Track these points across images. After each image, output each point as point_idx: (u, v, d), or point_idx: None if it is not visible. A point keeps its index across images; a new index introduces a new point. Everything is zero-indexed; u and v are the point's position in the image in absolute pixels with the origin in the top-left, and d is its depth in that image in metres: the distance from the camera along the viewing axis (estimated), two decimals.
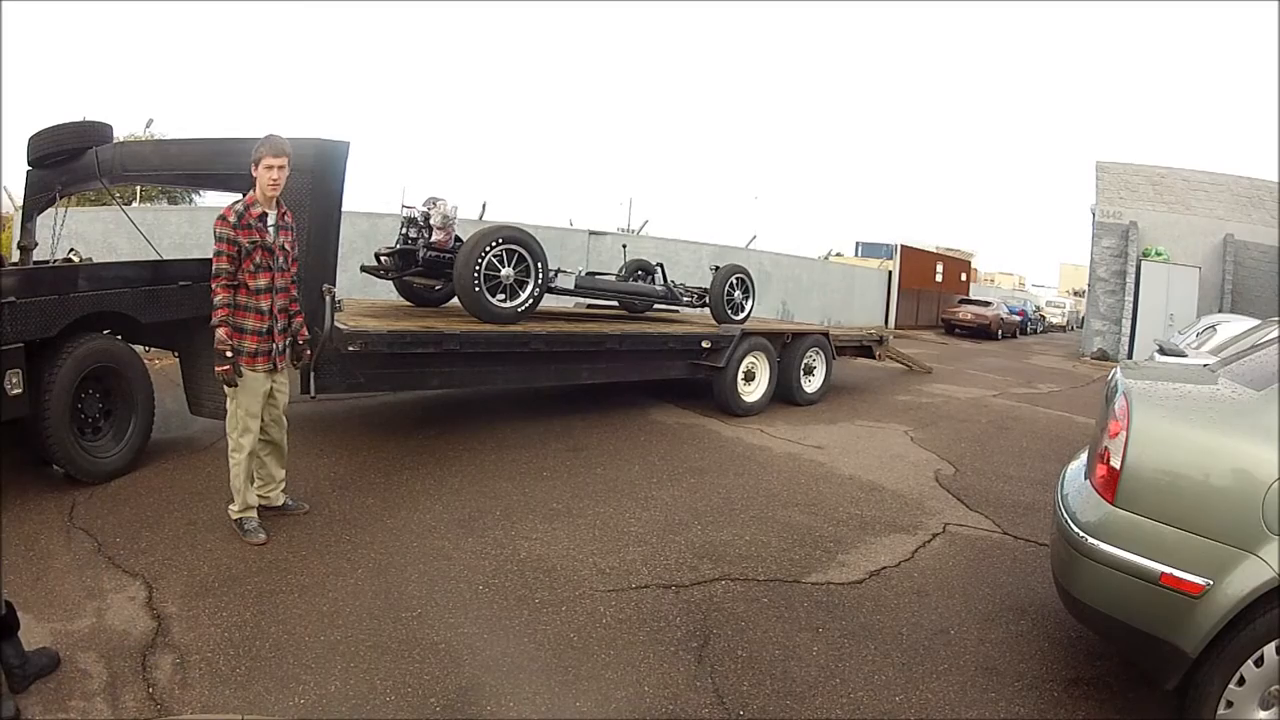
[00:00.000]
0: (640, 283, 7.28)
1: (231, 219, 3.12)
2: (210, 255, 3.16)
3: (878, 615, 2.86)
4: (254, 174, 3.18)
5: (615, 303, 7.34)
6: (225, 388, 3.18)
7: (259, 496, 3.39)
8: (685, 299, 6.93)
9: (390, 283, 5.96)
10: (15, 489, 3.49)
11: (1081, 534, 2.13)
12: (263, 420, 3.31)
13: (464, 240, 5.01)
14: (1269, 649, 1.84)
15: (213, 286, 3.12)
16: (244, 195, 3.23)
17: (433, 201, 5.17)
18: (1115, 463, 2.09)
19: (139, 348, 4.18)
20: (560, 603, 2.79)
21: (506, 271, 4.95)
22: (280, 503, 3.47)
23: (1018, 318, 23.16)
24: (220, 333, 3.09)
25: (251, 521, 3.23)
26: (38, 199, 4.97)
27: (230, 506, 3.27)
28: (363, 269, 5.92)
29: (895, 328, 18.45)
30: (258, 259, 3.17)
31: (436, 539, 3.29)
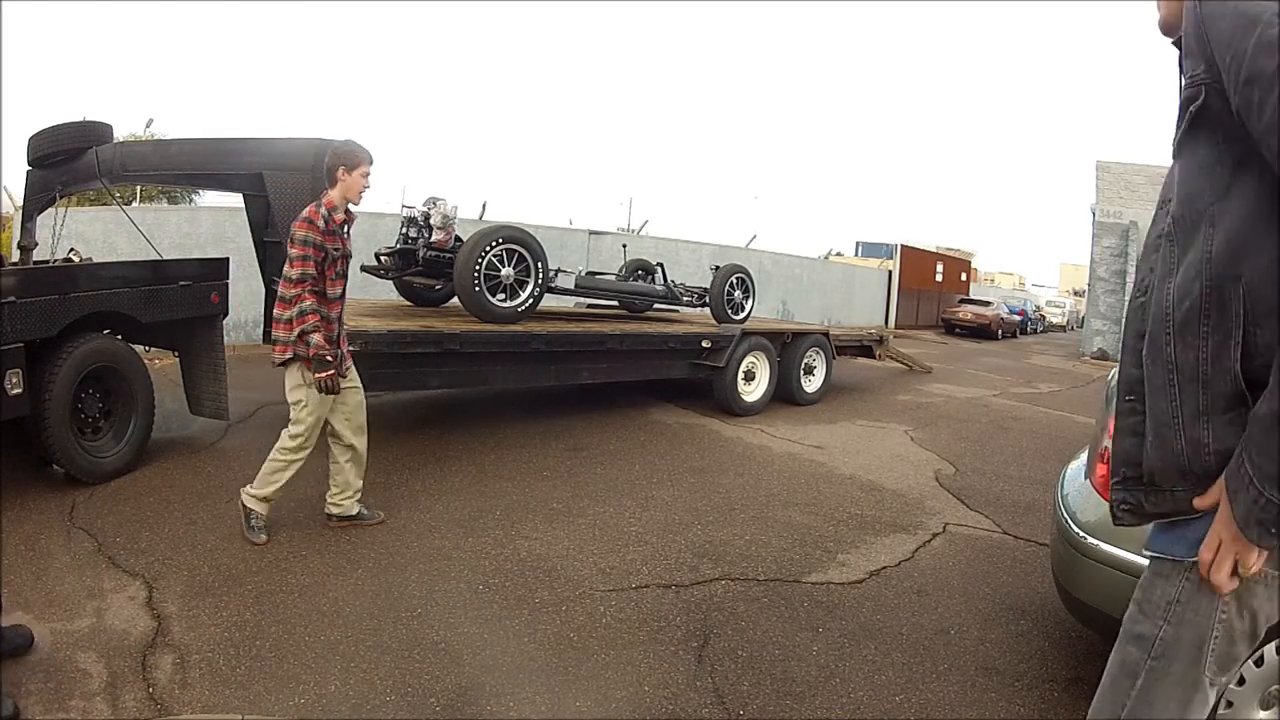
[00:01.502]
0: (640, 283, 7.28)
1: (320, 224, 3.03)
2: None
3: (878, 615, 2.86)
4: (341, 177, 3.11)
5: (615, 303, 7.34)
6: (304, 396, 3.07)
7: (333, 505, 3.32)
8: (685, 299, 6.93)
9: (390, 283, 5.97)
10: (15, 489, 3.49)
11: (1081, 534, 2.13)
12: (335, 428, 3.26)
13: (464, 240, 5.01)
14: (1269, 649, 1.83)
15: (297, 292, 3.01)
16: (322, 199, 3.13)
17: (433, 201, 5.17)
18: None
19: (139, 348, 4.18)
20: (560, 603, 2.79)
21: (506, 271, 4.95)
22: (355, 512, 3.35)
23: (1018, 317, 23.18)
24: (317, 338, 2.99)
25: (260, 519, 3.18)
26: (38, 199, 4.96)
27: (249, 490, 3.16)
28: (363, 269, 5.91)
29: (895, 327, 18.47)
30: (339, 267, 3.13)
31: (436, 539, 3.29)
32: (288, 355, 3.07)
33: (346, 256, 3.18)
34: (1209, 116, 0.98)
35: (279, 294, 3.13)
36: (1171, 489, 1.05)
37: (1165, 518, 1.08)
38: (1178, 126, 1.03)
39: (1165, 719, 1.06)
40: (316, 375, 3.03)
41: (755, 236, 16.76)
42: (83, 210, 7.77)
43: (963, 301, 21.12)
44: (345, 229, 3.18)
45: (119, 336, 4.03)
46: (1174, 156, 1.06)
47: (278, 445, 3.17)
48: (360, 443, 3.33)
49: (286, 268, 3.08)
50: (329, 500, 3.33)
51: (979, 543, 3.71)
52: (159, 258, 4.58)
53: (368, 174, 3.17)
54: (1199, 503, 1.01)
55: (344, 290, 3.21)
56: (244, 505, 3.18)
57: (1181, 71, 1.02)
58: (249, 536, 3.14)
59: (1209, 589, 1.01)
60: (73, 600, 2.59)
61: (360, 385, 3.37)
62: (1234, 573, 0.97)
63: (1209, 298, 0.97)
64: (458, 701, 2.17)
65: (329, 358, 3.03)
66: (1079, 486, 2.38)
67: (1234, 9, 0.94)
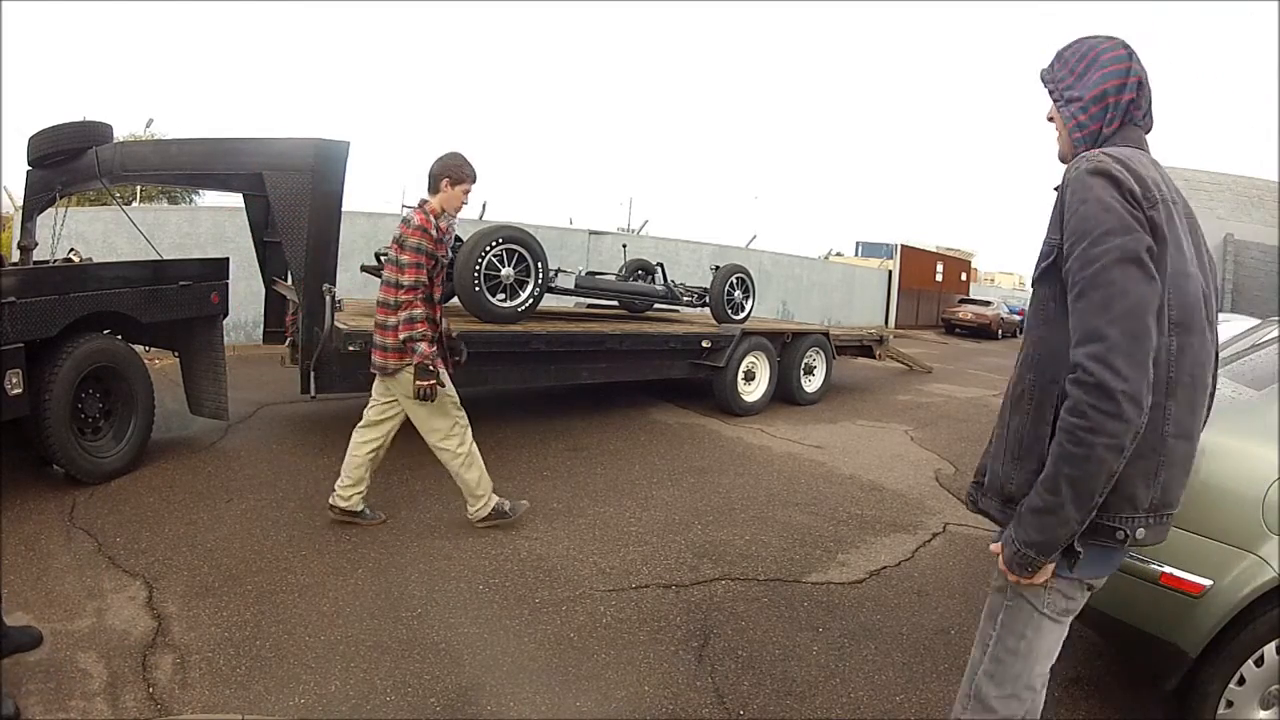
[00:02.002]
0: (640, 282, 7.28)
1: (432, 232, 3.07)
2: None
3: (878, 615, 2.86)
4: (445, 188, 3.17)
5: (615, 303, 7.34)
6: (424, 403, 3.11)
7: (339, 497, 3.32)
8: (685, 299, 6.93)
9: None
10: (15, 489, 3.49)
11: None
12: (374, 419, 3.35)
13: (464, 240, 5.01)
14: (1269, 649, 1.84)
15: (410, 298, 3.03)
16: (420, 205, 3.16)
17: None
18: None
19: (139, 348, 4.18)
20: (560, 603, 2.79)
21: (506, 271, 4.95)
22: (359, 509, 3.37)
23: (1018, 317, 23.14)
24: (424, 347, 3.02)
25: (502, 505, 3.36)
26: (38, 199, 4.96)
27: (475, 512, 3.33)
28: (363, 269, 5.92)
29: (895, 327, 18.47)
30: (443, 273, 3.23)
31: (436, 539, 3.29)
32: (406, 362, 3.09)
33: (449, 262, 3.26)
34: (1056, 267, 1.31)
35: (382, 300, 3.15)
36: (990, 498, 1.49)
37: (985, 515, 1.52)
38: (1036, 267, 1.39)
39: (1020, 640, 1.44)
40: (417, 383, 3.05)
41: (755, 236, 16.77)
42: (83, 210, 7.78)
43: (963, 301, 21.11)
44: (446, 237, 3.26)
45: (119, 336, 4.03)
46: (1032, 285, 1.43)
47: (447, 457, 3.28)
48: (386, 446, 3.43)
49: (394, 274, 3.07)
50: (337, 490, 3.33)
51: (979, 542, 3.71)
52: (159, 258, 4.58)
53: (468, 191, 3.23)
54: (993, 548, 1.48)
55: (443, 294, 3.29)
56: (482, 519, 3.34)
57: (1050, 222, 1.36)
58: (512, 516, 3.36)
59: None
60: (73, 600, 2.59)
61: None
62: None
63: (1033, 389, 1.36)
64: (458, 701, 2.17)
65: (431, 367, 3.06)
66: None
67: (1083, 213, 1.25)
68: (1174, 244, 1.27)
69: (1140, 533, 1.34)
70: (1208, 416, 1.38)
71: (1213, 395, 1.38)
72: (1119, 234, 1.21)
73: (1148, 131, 1.42)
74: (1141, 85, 1.40)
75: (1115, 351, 1.18)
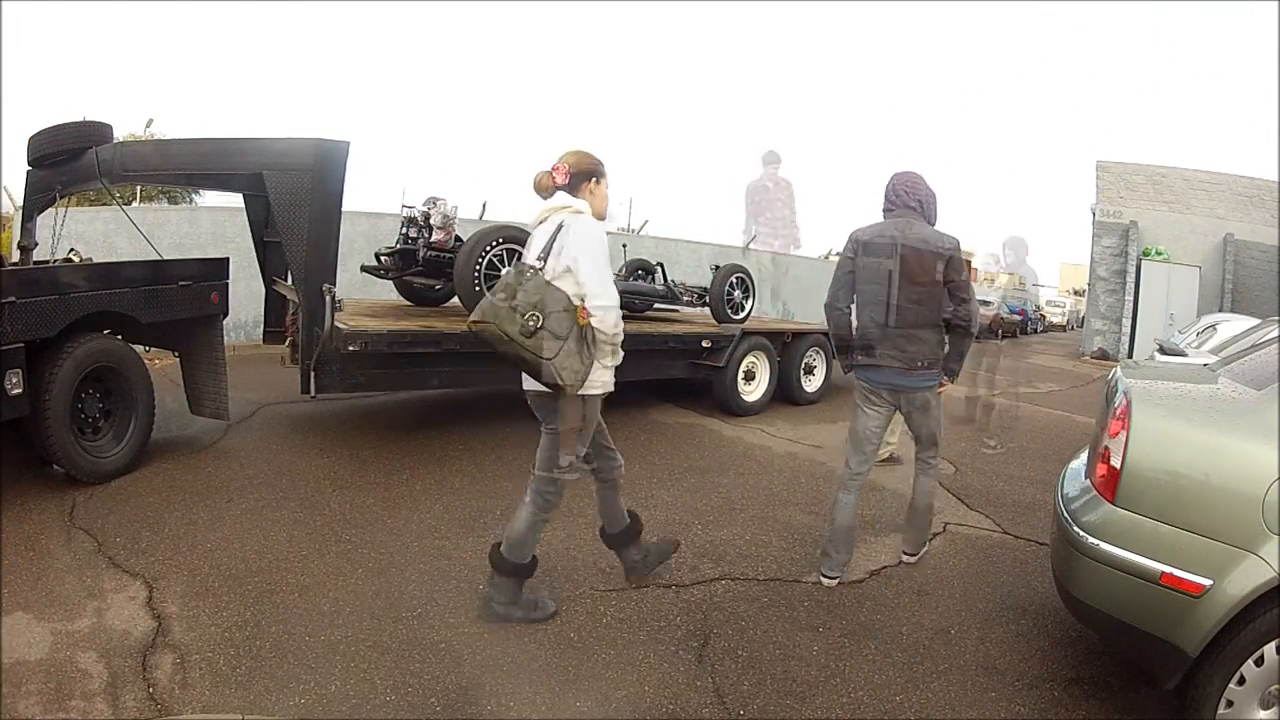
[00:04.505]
0: (640, 282, 7.27)
1: None
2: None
3: (878, 615, 2.86)
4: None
5: None
6: None
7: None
8: (685, 298, 6.91)
9: (390, 283, 5.96)
10: (15, 489, 3.50)
11: (1082, 533, 2.13)
12: None
13: (464, 240, 5.00)
14: (1269, 648, 1.84)
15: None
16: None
17: (433, 201, 5.16)
18: (1115, 462, 2.09)
19: (139, 348, 4.18)
20: (560, 602, 2.79)
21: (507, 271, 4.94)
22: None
23: (1018, 317, 23.13)
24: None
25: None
26: (38, 199, 4.95)
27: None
28: (363, 269, 5.91)
29: None
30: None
31: (436, 539, 3.29)
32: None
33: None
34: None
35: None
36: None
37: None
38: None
39: (855, 412, 3.23)
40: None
41: (755, 236, 16.73)
42: (83, 210, 7.77)
43: None
44: None
45: (119, 336, 4.03)
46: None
47: None
48: None
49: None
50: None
51: (979, 542, 3.71)
52: (159, 258, 4.58)
53: None
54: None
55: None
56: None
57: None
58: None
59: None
60: (73, 600, 2.59)
61: None
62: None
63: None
64: (458, 701, 2.17)
65: None
66: (1079, 486, 2.38)
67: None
68: (868, 253, 2.99)
69: (860, 358, 3.07)
70: (896, 315, 2.97)
71: (892, 304, 2.98)
72: (843, 254, 3.10)
73: (911, 209, 3.03)
74: (897, 192, 3.05)
75: (829, 292, 3.10)
